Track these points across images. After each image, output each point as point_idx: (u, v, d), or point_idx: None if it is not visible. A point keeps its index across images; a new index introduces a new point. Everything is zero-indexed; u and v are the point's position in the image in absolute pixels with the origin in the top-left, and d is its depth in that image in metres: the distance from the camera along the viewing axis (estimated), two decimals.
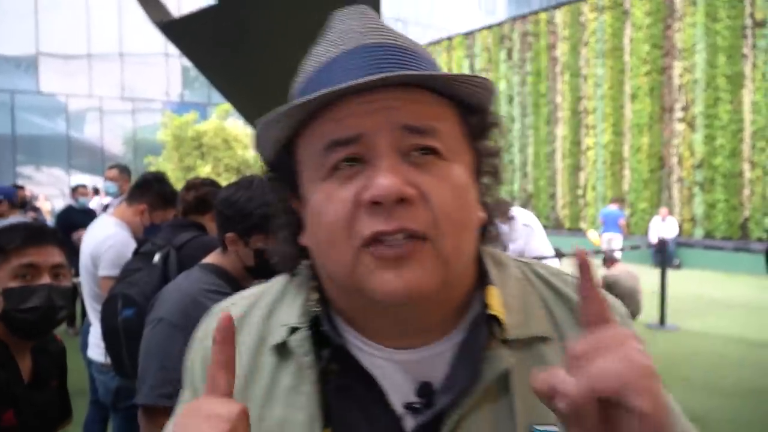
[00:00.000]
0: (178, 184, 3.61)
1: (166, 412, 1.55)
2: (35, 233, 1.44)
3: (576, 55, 16.14)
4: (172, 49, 14.39)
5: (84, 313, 3.07)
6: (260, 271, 1.69)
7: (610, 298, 0.65)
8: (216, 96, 18.48)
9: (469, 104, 0.63)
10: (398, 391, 0.63)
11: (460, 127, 0.62)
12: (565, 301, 0.68)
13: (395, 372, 0.64)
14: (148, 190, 2.87)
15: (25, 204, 7.70)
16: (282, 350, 0.66)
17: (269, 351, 0.67)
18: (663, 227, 12.93)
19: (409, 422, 0.62)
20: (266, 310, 0.71)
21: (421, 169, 0.58)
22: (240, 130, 18.27)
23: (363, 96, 0.57)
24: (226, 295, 1.63)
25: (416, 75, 0.57)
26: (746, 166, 13.33)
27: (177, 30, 10.06)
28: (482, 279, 0.67)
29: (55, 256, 1.45)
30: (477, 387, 0.61)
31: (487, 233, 0.68)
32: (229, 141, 18.12)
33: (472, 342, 0.62)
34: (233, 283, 1.69)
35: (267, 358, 0.67)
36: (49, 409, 1.49)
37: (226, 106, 16.66)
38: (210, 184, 2.42)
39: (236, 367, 0.66)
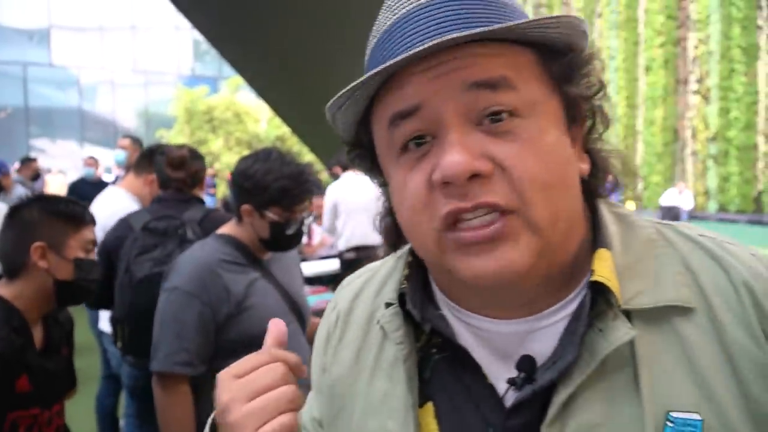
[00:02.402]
0: None
1: (181, 379, 1.59)
2: (89, 212, 1.56)
3: (590, 26, 15.84)
4: (182, 22, 14.32)
5: None
6: (274, 243, 1.71)
7: None
8: (227, 69, 18.42)
9: (551, 47, 0.55)
10: (499, 364, 0.58)
11: (542, 73, 0.55)
12: (720, 264, 0.57)
13: (496, 344, 0.59)
14: (155, 160, 2.76)
15: (37, 176, 7.78)
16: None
17: (376, 326, 0.66)
18: (678, 200, 12.85)
19: (510, 397, 0.57)
20: (377, 286, 0.70)
21: (496, 136, 0.52)
22: (251, 104, 18.24)
23: (422, 62, 0.52)
24: (241, 265, 1.67)
25: (470, 34, 0.49)
26: (761, 139, 13.15)
27: (187, 1, 9.95)
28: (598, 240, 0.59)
29: None
30: (587, 362, 0.53)
31: (596, 185, 0.61)
32: (240, 115, 18.12)
33: (581, 312, 0.55)
34: (248, 254, 1.71)
35: (375, 333, 0.66)
36: (60, 377, 1.53)
37: (237, 79, 16.61)
38: (194, 156, 2.36)
39: (350, 341, 0.69)
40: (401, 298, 0.63)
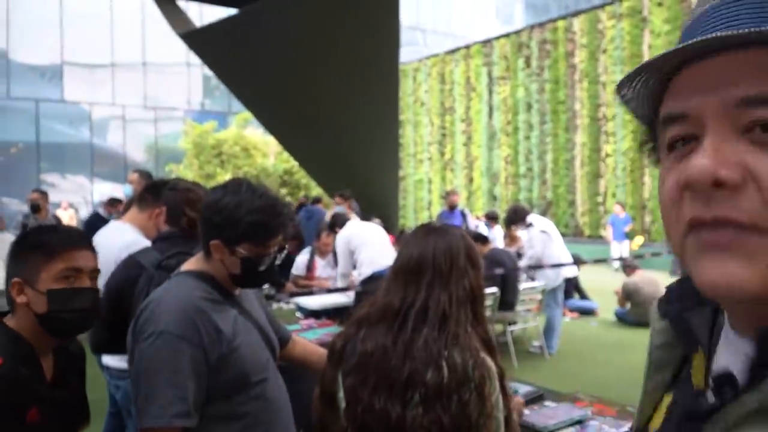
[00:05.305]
0: None
1: None
2: (79, 237, 1.49)
3: (594, 62, 16.06)
4: (194, 59, 14.58)
5: None
6: (245, 279, 1.61)
7: None
8: (236, 105, 18.69)
9: None
10: (717, 370, 0.56)
11: None
12: None
13: (723, 350, 0.57)
14: (161, 194, 2.66)
15: (37, 209, 7.77)
16: None
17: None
18: None
19: (704, 405, 0.55)
20: None
21: (762, 147, 0.47)
22: (259, 138, 18.44)
23: (700, 66, 0.50)
24: (218, 303, 1.59)
25: (742, 34, 0.46)
26: None
27: (199, 40, 10.20)
28: None
29: (93, 260, 1.49)
30: (752, 397, 0.49)
31: None
32: (248, 149, 18.31)
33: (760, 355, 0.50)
34: (221, 290, 1.62)
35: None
36: (71, 409, 1.51)
37: (246, 114, 16.83)
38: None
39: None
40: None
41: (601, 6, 16.02)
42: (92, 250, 1.51)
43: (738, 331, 0.55)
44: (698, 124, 0.50)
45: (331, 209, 7.49)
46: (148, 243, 2.62)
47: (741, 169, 0.47)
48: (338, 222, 5.42)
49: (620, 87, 0.57)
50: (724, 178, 0.47)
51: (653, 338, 0.67)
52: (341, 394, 1.48)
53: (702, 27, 0.51)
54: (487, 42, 18.95)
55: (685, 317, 0.62)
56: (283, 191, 17.24)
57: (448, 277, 1.45)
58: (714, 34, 0.46)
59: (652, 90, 0.56)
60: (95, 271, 1.50)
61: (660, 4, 14.70)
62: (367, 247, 4.90)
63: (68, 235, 1.48)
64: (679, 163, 0.52)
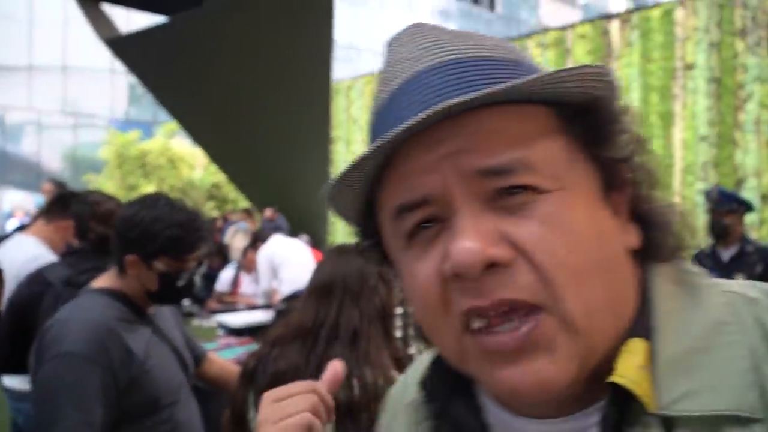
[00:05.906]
0: None
1: None
2: None
3: None
4: (119, 65, 14.09)
5: None
6: (163, 296, 1.60)
7: None
8: (162, 114, 18.19)
9: (574, 104, 0.47)
10: None
11: (565, 137, 0.47)
12: None
13: None
14: (70, 206, 2.59)
15: None
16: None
17: (405, 409, 0.62)
18: None
19: None
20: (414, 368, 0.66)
21: (514, 213, 0.44)
22: (186, 149, 17.97)
23: (422, 141, 0.45)
24: (130, 322, 1.55)
25: (466, 100, 0.42)
26: (676, 199, 14.00)
27: (125, 46, 9.89)
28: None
29: None
30: None
31: (653, 253, 0.50)
32: (174, 161, 17.80)
33: (612, 416, 0.44)
34: (136, 309, 1.58)
35: (402, 418, 0.61)
36: None
37: (172, 125, 16.38)
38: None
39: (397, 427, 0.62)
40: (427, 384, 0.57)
41: (528, 35, 16.72)
42: None
43: (531, 416, 0.50)
44: (441, 204, 0.45)
45: (234, 226, 7.39)
46: (54, 258, 2.52)
47: (506, 242, 0.43)
48: (261, 237, 5.34)
49: (332, 196, 0.50)
50: (496, 257, 0.42)
51: None
52: (251, 414, 1.46)
53: (413, 103, 0.46)
54: None
55: (452, 414, 0.55)
56: (210, 205, 16.85)
57: (358, 296, 1.47)
58: (427, 111, 0.42)
59: (365, 179, 0.49)
60: None
61: (582, 37, 15.50)
62: (290, 264, 4.85)
63: None
64: (429, 250, 0.46)
